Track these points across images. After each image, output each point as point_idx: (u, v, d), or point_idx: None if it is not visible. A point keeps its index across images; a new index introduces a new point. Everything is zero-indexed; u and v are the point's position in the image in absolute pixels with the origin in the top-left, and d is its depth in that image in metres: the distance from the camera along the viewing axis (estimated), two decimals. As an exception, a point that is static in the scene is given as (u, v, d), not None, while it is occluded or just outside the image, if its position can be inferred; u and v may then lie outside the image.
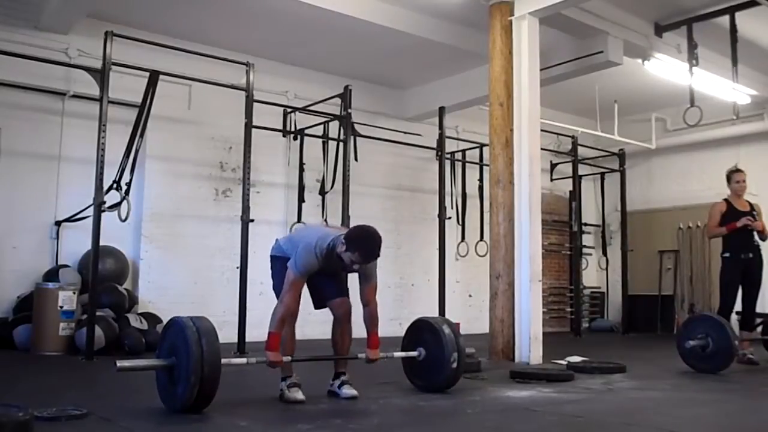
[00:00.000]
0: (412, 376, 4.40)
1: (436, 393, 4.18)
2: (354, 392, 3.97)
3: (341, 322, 4.09)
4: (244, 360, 3.76)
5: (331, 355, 4.14)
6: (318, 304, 4.13)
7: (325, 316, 4.15)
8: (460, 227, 9.78)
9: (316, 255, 3.80)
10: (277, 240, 4.22)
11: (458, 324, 6.18)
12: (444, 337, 4.15)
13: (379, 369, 4.46)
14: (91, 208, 6.11)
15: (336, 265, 3.88)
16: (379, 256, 3.85)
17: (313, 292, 4.09)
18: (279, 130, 8.30)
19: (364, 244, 3.78)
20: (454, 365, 4.14)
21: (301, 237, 4.00)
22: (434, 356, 4.18)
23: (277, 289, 3.93)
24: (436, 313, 8.31)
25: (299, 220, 8.35)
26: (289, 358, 3.81)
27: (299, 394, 3.79)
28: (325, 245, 3.82)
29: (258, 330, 6.82)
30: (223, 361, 3.38)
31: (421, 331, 4.31)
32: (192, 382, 3.23)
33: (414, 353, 4.25)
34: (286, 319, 3.77)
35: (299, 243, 3.89)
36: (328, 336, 4.18)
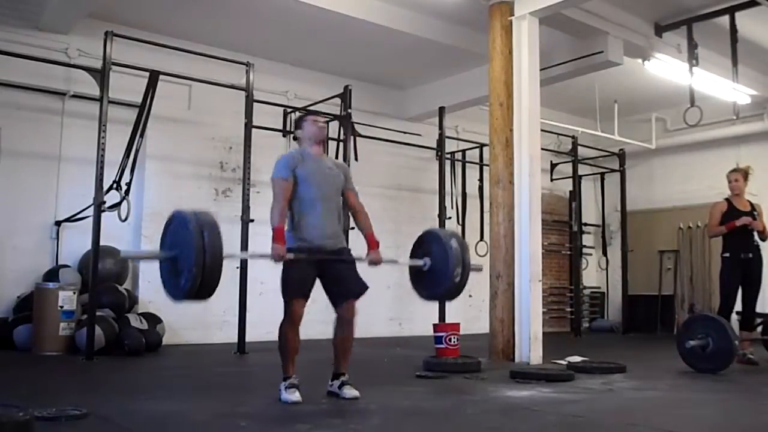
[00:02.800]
0: (416, 284, 4.38)
1: (438, 299, 4.20)
2: (356, 393, 3.95)
3: (344, 325, 4.04)
4: (246, 254, 3.78)
5: (328, 255, 4.04)
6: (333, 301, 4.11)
7: (326, 316, 4.14)
8: (460, 227, 9.78)
9: (289, 154, 4.14)
10: None
11: (458, 324, 6.23)
12: (450, 251, 4.13)
13: (378, 369, 4.46)
14: (91, 208, 6.11)
15: (315, 165, 4.09)
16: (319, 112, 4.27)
17: (329, 291, 4.06)
18: (279, 130, 8.30)
19: (301, 116, 4.35)
20: (457, 279, 4.12)
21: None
22: (439, 268, 4.17)
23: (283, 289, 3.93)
24: (436, 314, 8.32)
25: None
26: (291, 255, 3.81)
27: (295, 396, 3.76)
28: (295, 150, 4.23)
29: (258, 330, 6.89)
30: (226, 253, 3.39)
31: (430, 243, 4.30)
32: (194, 273, 3.25)
33: (420, 262, 4.25)
34: (284, 212, 3.88)
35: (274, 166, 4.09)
36: (329, 336, 4.17)
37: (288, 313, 3.88)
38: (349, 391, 3.95)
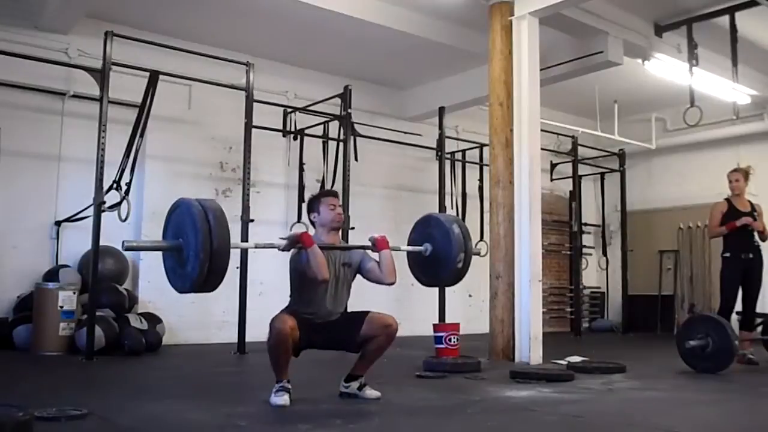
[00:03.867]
0: (416, 270, 4.33)
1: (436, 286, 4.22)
2: (378, 393, 3.92)
3: (379, 336, 3.84)
4: (252, 244, 3.69)
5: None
6: (352, 346, 3.92)
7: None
8: (460, 227, 9.77)
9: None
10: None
11: (458, 324, 6.23)
12: (453, 237, 4.07)
13: (378, 369, 4.46)
14: (91, 208, 6.11)
15: (331, 256, 3.84)
16: (334, 191, 4.17)
17: (331, 347, 3.93)
18: (279, 130, 8.29)
19: (315, 195, 4.09)
20: (459, 265, 4.09)
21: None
22: (441, 254, 4.12)
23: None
24: (436, 314, 8.32)
25: (299, 220, 8.34)
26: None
27: (283, 399, 3.64)
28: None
29: (258, 330, 6.83)
30: (232, 243, 3.27)
31: (431, 228, 4.23)
32: (201, 259, 3.12)
33: (421, 248, 4.18)
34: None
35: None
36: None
37: (274, 325, 3.65)
38: (372, 392, 3.92)
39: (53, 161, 7.19)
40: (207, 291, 3.30)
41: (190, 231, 3.19)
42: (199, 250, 3.12)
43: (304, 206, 8.30)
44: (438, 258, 4.14)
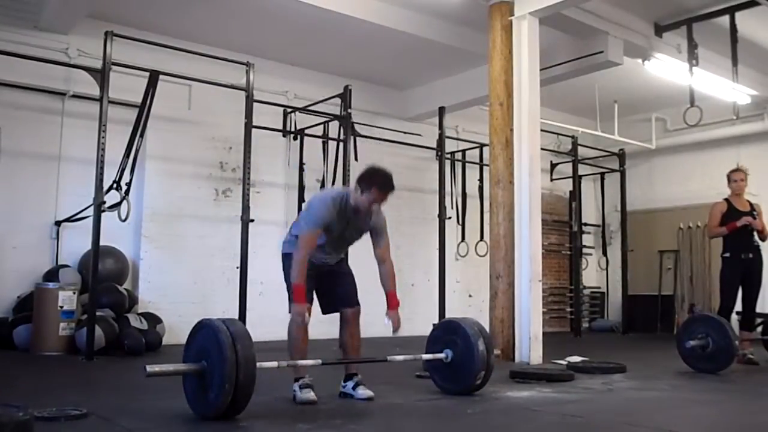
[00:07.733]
0: (432, 370, 4.34)
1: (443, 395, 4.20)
2: (370, 393, 3.94)
3: (350, 324, 4.08)
4: (275, 363, 3.72)
5: (341, 356, 4.12)
6: (327, 309, 4.12)
7: (330, 316, 4.15)
8: (460, 227, 9.78)
9: (330, 205, 3.81)
10: (289, 232, 4.11)
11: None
12: (476, 353, 4.04)
13: (378, 369, 4.47)
14: (91, 208, 6.11)
15: (350, 220, 3.89)
16: (394, 187, 3.82)
17: (322, 296, 4.07)
18: (279, 130, 8.30)
19: (377, 175, 3.80)
20: (478, 382, 4.10)
21: (312, 204, 3.97)
22: (461, 365, 4.09)
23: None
24: (435, 313, 8.31)
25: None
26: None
27: (311, 395, 3.77)
28: (339, 196, 3.88)
29: (258, 329, 6.80)
30: (258, 364, 3.27)
31: (455, 334, 4.18)
32: (226, 390, 3.11)
33: (441, 355, 4.16)
34: (302, 268, 3.74)
35: (311, 207, 3.91)
36: (334, 336, 4.18)
37: (293, 315, 3.87)
38: (364, 392, 3.95)
39: (53, 161, 7.19)
40: (227, 419, 3.25)
41: (216, 357, 3.16)
42: (224, 380, 3.10)
43: (304, 205, 8.41)
44: (457, 368, 4.12)
